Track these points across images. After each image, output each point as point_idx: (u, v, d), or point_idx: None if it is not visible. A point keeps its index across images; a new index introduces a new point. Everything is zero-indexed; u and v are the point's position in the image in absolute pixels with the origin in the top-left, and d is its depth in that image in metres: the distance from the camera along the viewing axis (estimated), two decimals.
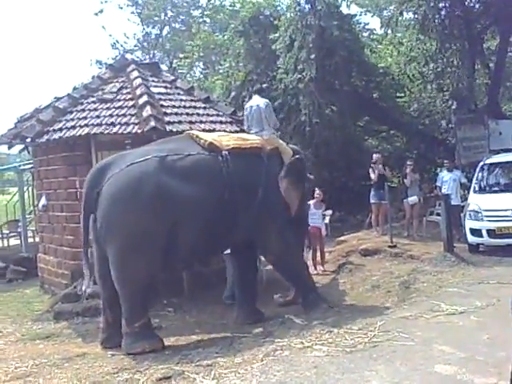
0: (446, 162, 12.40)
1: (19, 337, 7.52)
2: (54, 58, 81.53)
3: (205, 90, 15.29)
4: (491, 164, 11.08)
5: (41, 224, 10.79)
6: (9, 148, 10.77)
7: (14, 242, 15.79)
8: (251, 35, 15.98)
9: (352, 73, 15.41)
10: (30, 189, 15.82)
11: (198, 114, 9.92)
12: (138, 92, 9.61)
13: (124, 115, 9.13)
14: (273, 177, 7.23)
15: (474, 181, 10.87)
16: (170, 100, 9.96)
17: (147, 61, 21.03)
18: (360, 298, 8.31)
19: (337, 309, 7.30)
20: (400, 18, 15.00)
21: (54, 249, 9.91)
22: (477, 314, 6.21)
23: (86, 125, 8.88)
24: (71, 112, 9.38)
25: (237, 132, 8.83)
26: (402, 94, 16.76)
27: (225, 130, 9.14)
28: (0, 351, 6.85)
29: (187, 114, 9.73)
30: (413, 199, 11.48)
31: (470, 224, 9.90)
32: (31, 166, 12.79)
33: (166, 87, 10.48)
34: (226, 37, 18.52)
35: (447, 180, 11.51)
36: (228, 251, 7.80)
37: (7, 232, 16.32)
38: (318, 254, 10.41)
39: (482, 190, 10.64)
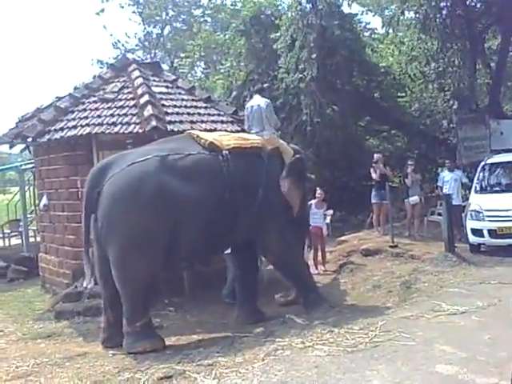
0: (447, 161, 12.39)
1: (20, 336, 7.53)
2: (56, 57, 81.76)
3: (206, 90, 15.28)
4: (492, 164, 11.07)
5: (42, 223, 10.79)
6: (10, 147, 10.79)
7: (15, 241, 15.79)
8: (252, 35, 15.96)
9: (353, 72, 15.39)
10: (32, 188, 15.82)
11: (199, 114, 9.91)
12: (140, 91, 9.61)
13: (125, 115, 9.13)
14: (273, 176, 7.22)
15: (475, 181, 10.87)
16: (171, 100, 9.96)
17: (148, 60, 21.10)
18: (361, 297, 8.31)
19: (338, 309, 7.29)
20: (401, 18, 15.01)
21: (56, 248, 9.92)
22: (478, 314, 6.21)
23: (88, 124, 8.88)
24: (72, 112, 9.38)
25: (238, 132, 8.83)
26: (403, 94, 16.73)
27: (226, 130, 9.14)
28: (1, 350, 6.85)
29: (188, 113, 9.73)
30: (414, 199, 11.47)
31: (471, 224, 9.90)
32: (32, 165, 12.79)
33: (167, 87, 10.48)
34: (227, 36, 18.49)
35: (448, 180, 11.51)
36: (229, 251, 7.80)
37: (8, 231, 16.34)
38: (319, 253, 10.41)
39: (483, 190, 10.64)
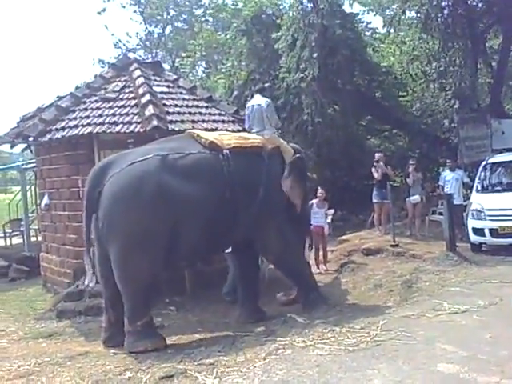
0: (448, 161, 12.38)
1: (22, 335, 7.53)
2: (57, 57, 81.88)
3: (207, 89, 15.27)
4: (494, 163, 11.05)
5: (43, 223, 10.80)
6: (11, 147, 10.82)
7: (16, 240, 15.81)
8: (253, 34, 15.96)
9: (354, 72, 15.38)
10: (33, 188, 15.86)
11: (201, 113, 9.93)
12: (141, 91, 9.62)
13: (126, 114, 9.14)
14: (274, 176, 7.22)
15: (477, 180, 10.85)
16: (173, 99, 9.98)
17: (149, 60, 21.08)
18: (362, 297, 8.31)
19: (339, 308, 7.29)
20: (403, 17, 15.01)
21: (57, 248, 9.93)
22: (479, 313, 6.19)
23: (89, 124, 8.90)
24: (74, 111, 9.40)
25: (239, 131, 8.83)
26: (405, 93, 16.74)
27: (227, 129, 9.15)
28: (3, 350, 6.85)
29: (189, 113, 9.74)
30: (415, 198, 11.47)
31: (472, 223, 9.89)
32: (34, 165, 12.82)
33: (168, 86, 10.49)
34: (228, 36, 18.49)
35: (450, 179, 11.51)
36: (229, 250, 7.80)
37: (10, 231, 16.34)
38: (321, 253, 10.42)
39: (484, 190, 10.63)
